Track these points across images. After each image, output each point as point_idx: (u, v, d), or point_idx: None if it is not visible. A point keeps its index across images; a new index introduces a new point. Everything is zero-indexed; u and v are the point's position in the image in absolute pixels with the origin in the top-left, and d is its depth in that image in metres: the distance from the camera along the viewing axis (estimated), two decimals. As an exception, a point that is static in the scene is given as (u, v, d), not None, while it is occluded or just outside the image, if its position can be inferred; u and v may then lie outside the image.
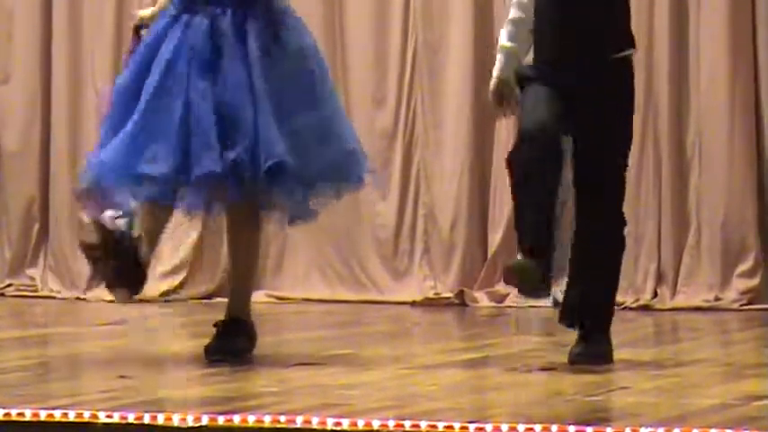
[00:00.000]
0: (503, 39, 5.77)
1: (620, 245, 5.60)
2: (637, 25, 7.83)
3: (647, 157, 8.00)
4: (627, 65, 5.63)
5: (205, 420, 4.08)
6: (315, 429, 4.01)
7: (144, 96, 5.48)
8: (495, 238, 8.12)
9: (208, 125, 5.44)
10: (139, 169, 5.42)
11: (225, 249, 8.16)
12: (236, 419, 4.08)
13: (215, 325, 5.64)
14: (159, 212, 5.67)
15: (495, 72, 5.66)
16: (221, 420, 4.08)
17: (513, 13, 5.77)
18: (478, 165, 8.23)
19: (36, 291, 8.65)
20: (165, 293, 8.29)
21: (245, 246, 5.76)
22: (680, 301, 7.92)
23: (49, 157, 8.69)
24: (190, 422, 4.07)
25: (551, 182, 5.47)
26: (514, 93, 5.60)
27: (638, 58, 7.83)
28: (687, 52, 7.99)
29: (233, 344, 5.58)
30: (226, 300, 6.97)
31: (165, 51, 5.51)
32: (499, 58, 5.70)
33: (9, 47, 8.86)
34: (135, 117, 5.46)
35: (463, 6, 8.20)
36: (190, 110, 5.46)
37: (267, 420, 4.07)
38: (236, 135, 5.46)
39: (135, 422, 4.10)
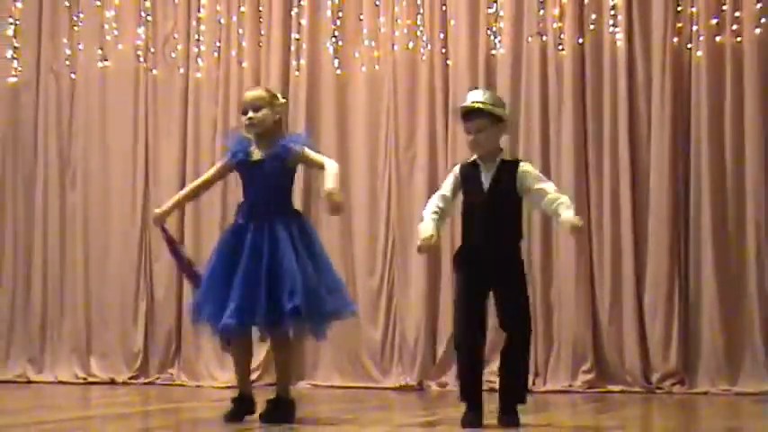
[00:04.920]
0: (427, 216, 5.27)
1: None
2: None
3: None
4: (518, 251, 5.33)
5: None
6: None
7: (238, 274, 5.39)
8: (440, 350, 8.02)
9: (274, 286, 5.34)
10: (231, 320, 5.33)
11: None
12: None
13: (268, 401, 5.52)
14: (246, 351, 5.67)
15: (425, 231, 5.23)
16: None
17: (437, 201, 5.33)
18: (432, 305, 8.09)
19: (173, 381, 8.52)
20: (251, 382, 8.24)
21: (285, 355, 5.67)
22: (549, 385, 7.80)
23: (181, 303, 8.52)
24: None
25: (481, 367, 5.36)
26: (434, 243, 5.27)
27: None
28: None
29: (280, 414, 5.46)
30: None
31: (246, 244, 5.41)
32: (427, 222, 5.25)
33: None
34: (235, 288, 5.36)
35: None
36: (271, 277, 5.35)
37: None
38: (292, 291, 5.32)
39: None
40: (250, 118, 5.55)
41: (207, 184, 5.85)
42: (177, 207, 6.00)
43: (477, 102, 5.29)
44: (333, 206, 5.41)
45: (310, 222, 5.91)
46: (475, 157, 5.35)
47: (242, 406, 5.57)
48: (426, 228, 5.26)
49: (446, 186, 5.38)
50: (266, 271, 5.36)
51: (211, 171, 5.82)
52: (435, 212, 5.31)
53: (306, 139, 5.86)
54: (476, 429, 5.16)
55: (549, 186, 5.30)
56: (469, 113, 5.31)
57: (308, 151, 5.60)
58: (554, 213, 5.23)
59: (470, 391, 5.29)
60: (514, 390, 5.31)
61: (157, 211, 5.82)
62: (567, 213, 5.15)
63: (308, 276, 5.38)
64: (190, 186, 6.02)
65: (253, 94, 5.66)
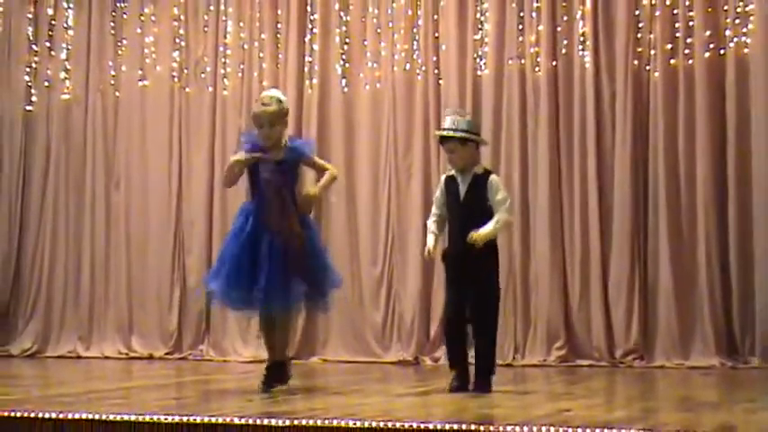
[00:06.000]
0: (430, 227, 5.53)
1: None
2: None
3: (510, 295, 7.87)
4: (490, 250, 5.47)
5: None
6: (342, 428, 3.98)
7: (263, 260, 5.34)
8: (433, 329, 8.03)
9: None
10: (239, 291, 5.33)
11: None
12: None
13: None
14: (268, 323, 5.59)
15: (427, 245, 5.53)
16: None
17: (434, 210, 5.58)
18: (426, 291, 8.09)
19: (203, 357, 8.52)
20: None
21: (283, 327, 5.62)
22: (527, 360, 7.81)
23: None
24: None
25: (463, 340, 5.46)
26: (432, 255, 5.53)
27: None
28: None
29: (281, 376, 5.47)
30: (300, 360, 6.89)
31: (266, 235, 5.34)
32: (429, 237, 5.53)
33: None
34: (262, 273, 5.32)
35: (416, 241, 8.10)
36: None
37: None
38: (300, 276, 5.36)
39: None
40: (267, 134, 5.46)
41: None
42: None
43: (446, 129, 5.50)
44: (305, 202, 5.47)
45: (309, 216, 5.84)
46: (454, 171, 5.54)
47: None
48: (428, 243, 5.52)
49: (437, 201, 5.61)
50: (287, 257, 5.34)
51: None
52: (435, 222, 5.54)
53: (312, 146, 5.81)
54: (461, 393, 5.30)
55: (501, 204, 5.42)
56: (442, 139, 5.54)
57: (315, 158, 5.65)
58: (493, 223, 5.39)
59: (456, 360, 5.46)
60: (482, 364, 5.44)
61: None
62: (484, 228, 5.32)
63: (317, 262, 5.44)
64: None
65: (269, 110, 5.46)
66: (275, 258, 5.30)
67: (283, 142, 5.54)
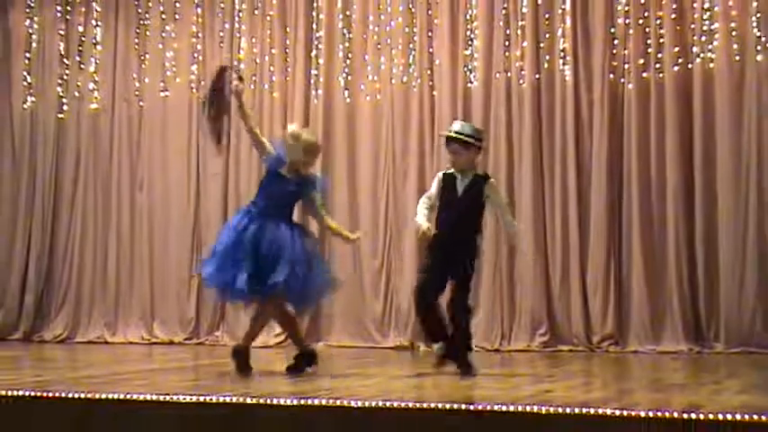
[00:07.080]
0: (421, 209, 5.54)
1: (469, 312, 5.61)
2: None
3: (497, 287, 7.87)
4: (476, 240, 5.58)
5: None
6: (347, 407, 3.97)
7: (243, 248, 5.35)
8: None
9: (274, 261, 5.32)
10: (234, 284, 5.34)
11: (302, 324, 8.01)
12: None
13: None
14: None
15: (423, 225, 5.48)
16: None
17: (428, 194, 5.63)
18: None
19: (218, 342, 8.49)
20: (278, 344, 8.22)
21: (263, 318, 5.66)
22: (513, 345, 7.79)
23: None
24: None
25: (434, 311, 5.52)
26: (428, 233, 5.52)
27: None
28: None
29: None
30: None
31: (254, 230, 5.37)
32: (421, 218, 5.50)
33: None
34: (242, 261, 5.34)
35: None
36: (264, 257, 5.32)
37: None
38: (284, 268, 5.31)
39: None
40: (308, 163, 5.57)
41: (259, 138, 5.63)
42: (243, 112, 5.63)
43: (452, 131, 5.61)
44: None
45: (308, 229, 5.87)
46: (453, 169, 5.61)
47: (304, 359, 5.67)
48: (422, 222, 5.52)
49: (433, 188, 5.67)
50: (267, 250, 5.34)
51: (265, 139, 5.67)
52: (427, 208, 5.55)
53: (326, 186, 5.83)
54: (451, 376, 5.33)
55: (506, 206, 5.68)
56: (447, 140, 5.63)
57: (319, 198, 5.65)
58: (509, 230, 5.66)
59: (435, 331, 5.56)
60: (461, 338, 5.50)
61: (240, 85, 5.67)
62: (518, 243, 5.74)
63: (299, 261, 5.37)
64: (256, 129, 5.64)
65: (317, 145, 5.66)
66: (259, 246, 5.32)
67: (308, 172, 5.65)
